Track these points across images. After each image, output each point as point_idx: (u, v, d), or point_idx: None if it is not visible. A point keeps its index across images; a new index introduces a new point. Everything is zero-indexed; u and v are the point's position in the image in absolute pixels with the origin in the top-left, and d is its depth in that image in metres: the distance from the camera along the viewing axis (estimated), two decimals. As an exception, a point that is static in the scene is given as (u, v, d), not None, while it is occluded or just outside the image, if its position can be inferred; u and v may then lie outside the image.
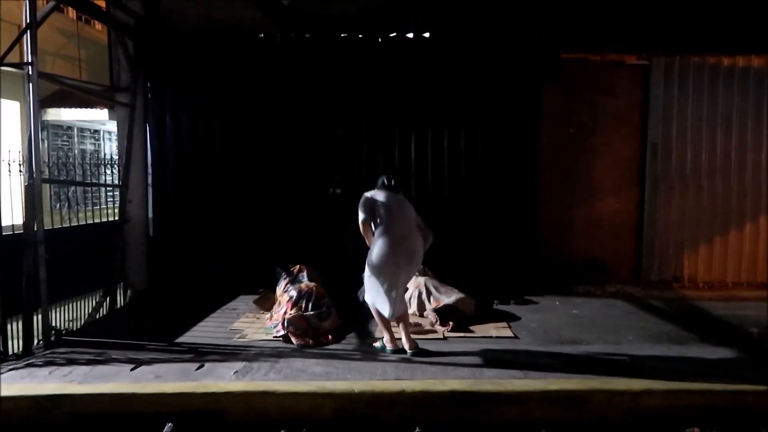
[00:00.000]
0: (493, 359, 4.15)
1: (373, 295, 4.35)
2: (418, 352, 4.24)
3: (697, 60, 6.66)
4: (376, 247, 4.25)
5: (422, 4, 6.40)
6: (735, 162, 6.72)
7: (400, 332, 4.35)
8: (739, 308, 5.71)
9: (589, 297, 6.24)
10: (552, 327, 5.08)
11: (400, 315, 4.32)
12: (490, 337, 4.75)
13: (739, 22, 6.36)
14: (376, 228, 4.31)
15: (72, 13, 10.26)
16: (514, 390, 3.59)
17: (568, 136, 6.70)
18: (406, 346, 4.27)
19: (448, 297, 5.22)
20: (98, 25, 10.67)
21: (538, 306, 5.87)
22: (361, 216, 4.32)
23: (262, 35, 6.52)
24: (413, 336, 4.57)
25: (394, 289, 4.25)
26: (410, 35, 6.51)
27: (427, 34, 6.53)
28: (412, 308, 5.31)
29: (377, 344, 4.44)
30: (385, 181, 4.44)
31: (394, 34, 6.49)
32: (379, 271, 4.24)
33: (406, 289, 4.72)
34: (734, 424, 3.43)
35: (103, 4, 6.44)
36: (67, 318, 5.11)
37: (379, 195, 4.37)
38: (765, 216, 6.71)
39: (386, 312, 4.28)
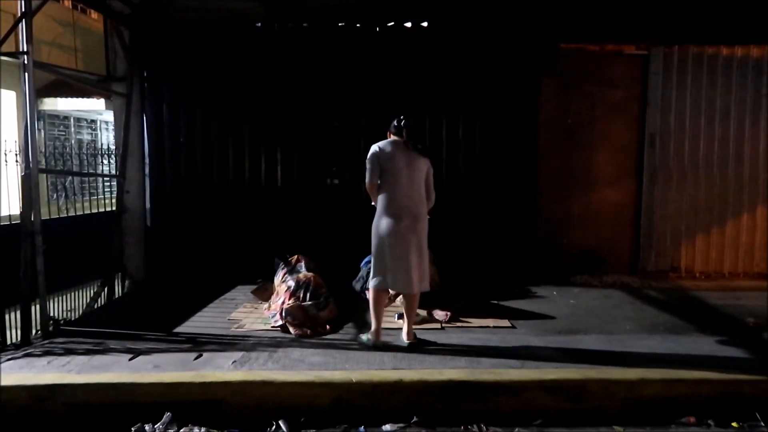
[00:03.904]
0: (491, 349, 4.17)
1: (373, 268, 4.20)
2: (416, 343, 4.22)
3: (696, 50, 6.64)
4: (377, 217, 4.17)
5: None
6: (733, 152, 6.73)
7: (402, 322, 4.33)
8: (736, 298, 5.74)
9: (587, 287, 6.26)
10: (549, 317, 5.10)
11: (406, 293, 4.23)
12: (488, 327, 4.76)
13: (737, 11, 6.33)
14: (381, 189, 4.17)
15: (67, 1, 10.18)
16: (511, 379, 3.60)
17: (566, 126, 6.69)
18: (404, 337, 4.24)
19: None
20: (94, 14, 10.59)
21: (536, 296, 5.89)
22: (367, 178, 4.17)
23: (259, 25, 6.48)
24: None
25: (398, 262, 4.11)
26: (408, 25, 6.48)
27: (425, 24, 6.50)
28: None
29: (363, 336, 4.35)
30: (395, 125, 4.21)
31: (392, 23, 6.46)
32: (381, 240, 4.14)
33: (427, 263, 4.37)
34: (730, 413, 3.45)
35: (98, -7, 6.40)
36: (65, 308, 5.11)
37: (389, 150, 4.14)
38: (762, 206, 6.73)
39: (377, 282, 4.16)
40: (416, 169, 4.19)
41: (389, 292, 4.36)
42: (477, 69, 6.43)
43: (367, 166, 4.18)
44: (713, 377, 3.63)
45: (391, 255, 4.13)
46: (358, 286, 5.68)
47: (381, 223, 4.16)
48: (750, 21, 6.35)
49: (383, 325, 4.33)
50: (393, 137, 4.27)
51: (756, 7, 6.24)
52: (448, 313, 4.96)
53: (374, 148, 4.20)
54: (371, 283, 4.27)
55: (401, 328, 4.33)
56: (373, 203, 4.29)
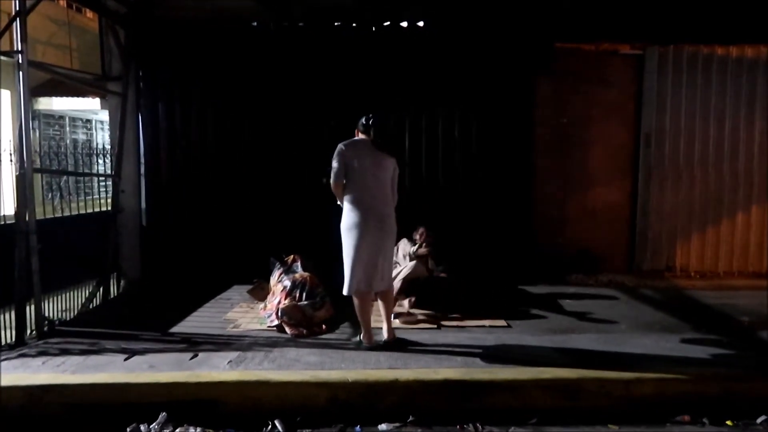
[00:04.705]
0: (487, 348, 4.17)
1: (346, 269, 4.12)
2: (395, 343, 4.16)
3: (691, 50, 6.66)
4: (344, 215, 4.12)
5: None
6: (728, 152, 6.75)
7: (382, 319, 4.28)
8: (731, 297, 5.76)
9: (583, 286, 6.27)
10: (545, 316, 5.11)
11: (380, 291, 4.19)
12: (484, 326, 4.77)
13: (732, 12, 6.36)
14: (347, 189, 4.11)
15: (63, 0, 10.16)
16: (507, 378, 3.61)
17: (561, 125, 6.70)
18: (385, 335, 4.20)
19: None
20: (89, 13, 10.57)
21: (532, 295, 5.89)
22: (332, 177, 4.09)
23: (255, 24, 6.47)
24: (404, 326, 4.58)
25: (364, 262, 4.05)
26: (404, 24, 6.48)
27: (421, 24, 6.50)
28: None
29: (356, 338, 4.35)
30: (363, 123, 4.15)
31: (388, 23, 6.46)
32: (349, 242, 4.07)
33: (391, 264, 4.37)
34: (725, 412, 3.47)
35: (93, -8, 6.38)
36: (60, 308, 5.09)
37: (355, 148, 4.09)
38: (757, 206, 6.75)
39: (350, 286, 4.09)
40: (383, 169, 4.12)
41: (370, 293, 4.28)
42: (473, 68, 6.44)
43: (333, 165, 4.09)
44: (708, 376, 3.64)
45: (360, 255, 4.06)
46: (347, 290, 5.66)
47: (349, 225, 4.09)
48: (744, 21, 6.38)
49: (378, 325, 4.32)
50: (361, 135, 4.21)
51: (750, 8, 6.27)
52: (412, 299, 5.02)
53: (340, 146, 4.11)
54: (347, 289, 4.14)
55: (398, 328, 4.32)
56: (339, 203, 4.22)
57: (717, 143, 6.75)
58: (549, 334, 4.58)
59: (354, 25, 6.47)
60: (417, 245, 5.51)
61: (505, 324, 4.84)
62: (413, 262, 5.28)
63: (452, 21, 6.44)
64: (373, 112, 4.27)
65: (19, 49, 4.49)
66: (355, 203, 4.07)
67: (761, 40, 6.56)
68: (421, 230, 5.62)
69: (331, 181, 4.13)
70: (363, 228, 4.04)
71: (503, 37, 6.43)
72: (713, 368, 3.76)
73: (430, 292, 5.18)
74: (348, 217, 4.10)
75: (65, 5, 10.39)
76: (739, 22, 6.41)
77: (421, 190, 6.43)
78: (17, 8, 4.53)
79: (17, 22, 4.52)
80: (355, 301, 4.18)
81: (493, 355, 4.03)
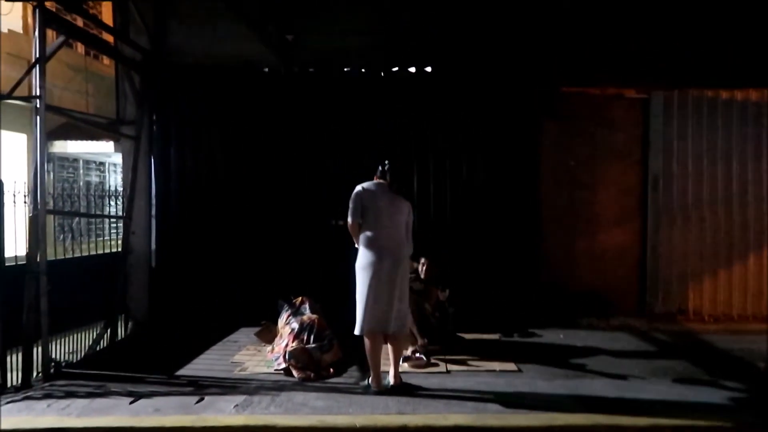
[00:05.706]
0: (497, 393, 4.09)
1: (358, 310, 4.14)
2: (401, 388, 4.12)
3: (696, 93, 6.73)
4: (360, 255, 4.18)
5: (424, 40, 6.53)
6: (736, 194, 6.73)
7: (390, 363, 4.23)
8: (746, 342, 5.64)
9: (594, 330, 6.18)
10: (556, 360, 5.03)
11: (391, 334, 4.15)
12: (494, 370, 4.70)
13: (735, 56, 6.47)
14: (363, 229, 4.20)
15: (80, 47, 10.48)
16: (518, 425, 3.54)
17: (569, 168, 6.72)
18: (391, 380, 4.15)
19: None
20: (105, 60, 10.88)
21: (542, 339, 5.82)
22: (349, 217, 4.22)
23: (266, 69, 6.63)
24: (411, 370, 4.51)
25: (377, 302, 4.06)
26: (412, 70, 6.62)
27: (429, 69, 6.64)
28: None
29: (364, 382, 4.30)
30: (380, 170, 4.34)
31: (396, 68, 6.60)
32: (364, 281, 4.11)
33: (407, 306, 4.39)
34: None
35: (110, 39, 6.59)
36: (67, 350, 5.07)
37: (372, 191, 4.25)
38: (768, 248, 6.70)
39: (362, 326, 4.09)
40: (398, 212, 4.24)
41: (381, 336, 4.25)
42: (479, 111, 6.52)
43: (350, 205, 4.24)
44: (726, 425, 3.55)
45: (374, 295, 4.08)
46: (359, 330, 5.63)
47: (363, 264, 4.15)
48: (747, 65, 6.47)
49: (386, 369, 4.26)
50: (378, 180, 4.36)
51: (752, 52, 6.37)
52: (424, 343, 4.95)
53: (358, 188, 4.28)
54: (358, 329, 4.15)
55: (406, 372, 4.26)
56: (355, 244, 4.29)
57: (725, 185, 6.74)
58: (561, 378, 4.49)
59: (363, 70, 6.61)
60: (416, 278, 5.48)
61: (516, 368, 4.76)
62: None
63: (459, 66, 6.57)
64: (389, 158, 4.45)
65: (38, 94, 4.62)
66: (371, 243, 4.14)
67: (765, 84, 6.63)
68: (422, 260, 5.53)
69: (348, 221, 4.24)
70: (378, 268, 4.08)
71: (509, 81, 6.53)
72: (730, 416, 3.66)
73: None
74: (363, 256, 4.16)
75: (83, 52, 10.71)
76: (742, 67, 6.50)
77: (429, 232, 6.42)
78: (37, 55, 4.68)
79: (37, 68, 4.65)
80: (366, 342, 4.15)
81: (504, 400, 3.95)
